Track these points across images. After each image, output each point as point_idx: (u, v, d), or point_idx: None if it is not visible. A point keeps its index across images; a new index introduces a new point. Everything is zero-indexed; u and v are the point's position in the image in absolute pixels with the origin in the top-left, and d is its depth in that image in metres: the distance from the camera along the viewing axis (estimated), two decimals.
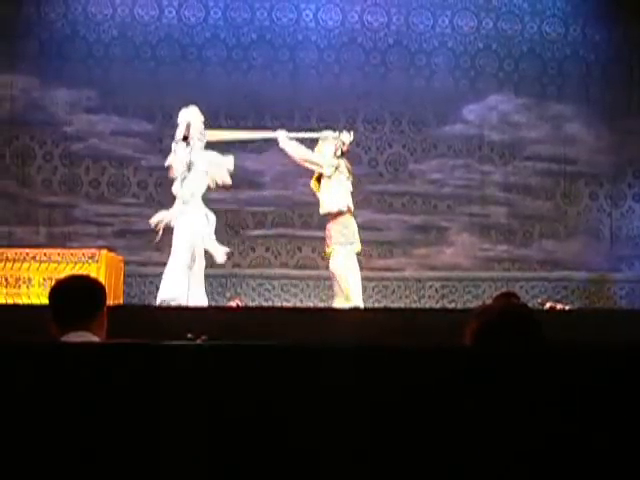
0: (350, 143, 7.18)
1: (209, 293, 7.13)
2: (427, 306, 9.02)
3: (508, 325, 2.04)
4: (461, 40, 9.53)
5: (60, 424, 1.68)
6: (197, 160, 6.83)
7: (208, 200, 7.08)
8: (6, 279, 7.23)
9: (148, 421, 1.70)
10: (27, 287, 7.20)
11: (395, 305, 8.98)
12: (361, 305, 6.86)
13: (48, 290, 2.87)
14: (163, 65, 9.33)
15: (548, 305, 7.43)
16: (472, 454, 1.67)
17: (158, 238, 6.80)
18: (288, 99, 9.23)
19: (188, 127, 6.82)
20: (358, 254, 6.94)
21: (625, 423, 1.68)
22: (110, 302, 6.68)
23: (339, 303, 6.75)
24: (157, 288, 8.45)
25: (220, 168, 6.88)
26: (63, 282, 2.87)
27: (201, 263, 6.77)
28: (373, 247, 9.27)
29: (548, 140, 9.53)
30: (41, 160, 9.24)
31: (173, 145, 6.95)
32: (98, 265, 7.22)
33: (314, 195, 7.18)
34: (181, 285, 6.59)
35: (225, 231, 8.86)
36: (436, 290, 9.27)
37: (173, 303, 6.45)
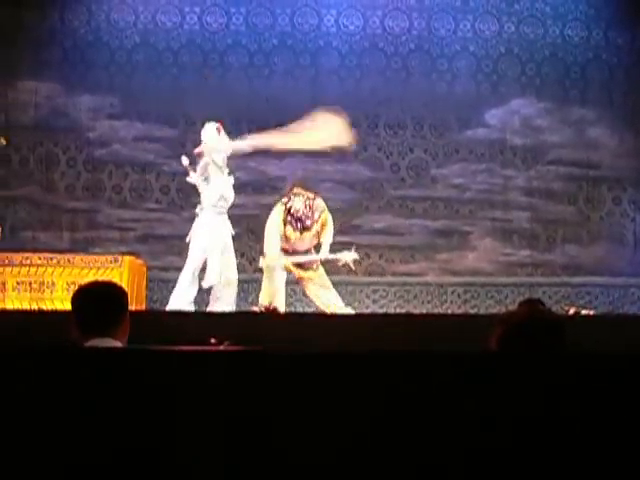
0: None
1: None
2: (449, 311, 8.99)
3: (534, 331, 2.03)
4: (483, 44, 9.49)
5: (87, 428, 1.69)
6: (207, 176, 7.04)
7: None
8: (30, 284, 7.28)
9: (172, 426, 1.70)
10: (50, 292, 7.25)
11: (417, 310, 8.94)
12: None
13: (71, 295, 2.88)
14: (185, 71, 9.37)
15: (572, 310, 7.38)
16: (495, 459, 1.66)
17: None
18: (309, 104, 9.22)
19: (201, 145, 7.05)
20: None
21: None
22: (133, 307, 6.73)
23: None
24: None
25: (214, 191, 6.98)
26: (86, 288, 2.88)
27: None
28: (395, 252, 9.26)
29: (571, 144, 9.46)
30: (65, 166, 9.30)
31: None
32: (121, 270, 7.25)
33: (334, 201, 7.25)
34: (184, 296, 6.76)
35: (247, 236, 8.89)
36: (458, 295, 9.23)
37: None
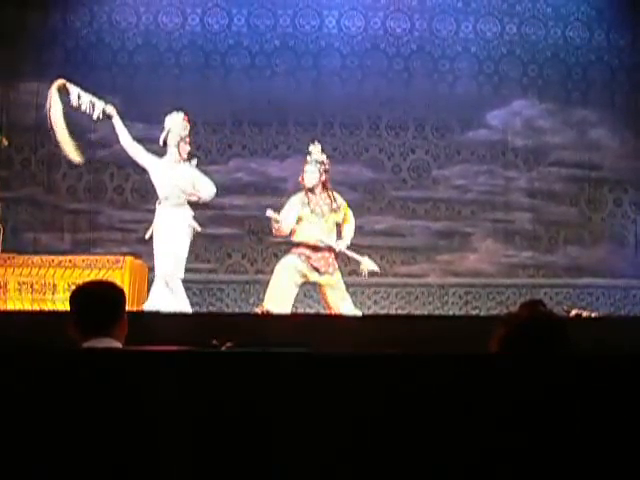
0: (327, 156, 7.17)
1: (233, 299, 7.16)
2: (450, 313, 8.99)
3: (536, 333, 2.03)
4: (484, 45, 9.49)
5: (85, 428, 1.69)
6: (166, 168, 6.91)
7: (229, 206, 7.12)
8: (31, 285, 7.28)
9: (171, 427, 1.70)
10: (52, 293, 7.25)
11: (418, 312, 8.94)
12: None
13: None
14: (187, 72, 9.37)
15: (574, 312, 7.37)
16: (500, 461, 1.66)
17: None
18: (311, 106, 9.24)
19: (167, 133, 6.91)
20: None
21: None
22: (134, 308, 6.73)
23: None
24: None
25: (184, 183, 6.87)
26: (84, 288, 2.87)
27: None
28: (396, 253, 9.26)
29: (572, 146, 9.46)
30: (66, 167, 9.30)
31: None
32: (122, 271, 7.25)
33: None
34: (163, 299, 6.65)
35: (248, 237, 8.89)
36: (460, 297, 9.23)
37: None
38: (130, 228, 9.21)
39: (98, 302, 2.76)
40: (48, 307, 7.06)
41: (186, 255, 6.87)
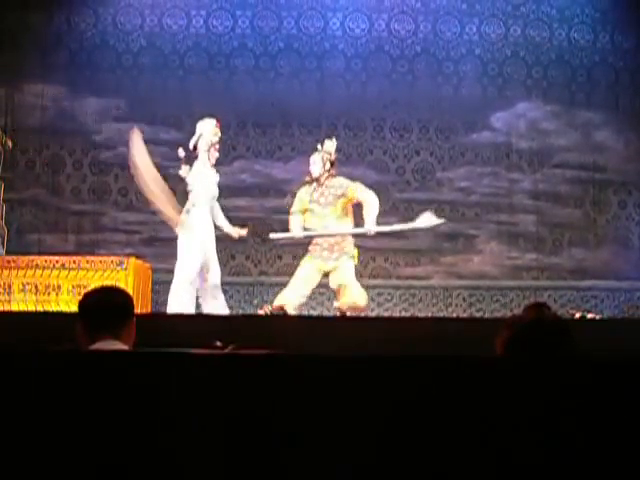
0: (336, 151, 7.17)
1: (236, 301, 7.16)
2: (454, 315, 8.98)
3: (540, 336, 2.03)
4: (489, 47, 9.49)
5: (92, 430, 1.69)
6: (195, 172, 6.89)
7: (233, 208, 7.12)
8: (36, 286, 7.30)
9: (176, 428, 1.70)
10: (56, 294, 7.27)
11: (422, 314, 8.94)
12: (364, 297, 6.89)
13: (77, 297, 2.90)
14: (191, 74, 9.38)
15: (578, 315, 7.36)
16: (500, 465, 1.65)
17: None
18: (315, 107, 9.25)
19: (199, 138, 6.90)
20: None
21: None
22: (138, 309, 6.74)
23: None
24: None
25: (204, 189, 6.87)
26: (92, 294, 2.90)
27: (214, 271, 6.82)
28: (400, 255, 9.25)
29: (577, 148, 9.45)
30: (71, 168, 9.32)
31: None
32: (126, 272, 7.26)
33: None
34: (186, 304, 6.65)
35: (252, 239, 8.89)
36: (464, 299, 9.22)
37: None
38: (134, 230, 9.22)
39: (105, 306, 2.79)
40: (52, 308, 7.07)
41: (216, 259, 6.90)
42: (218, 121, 7.00)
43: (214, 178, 6.95)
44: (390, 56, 9.46)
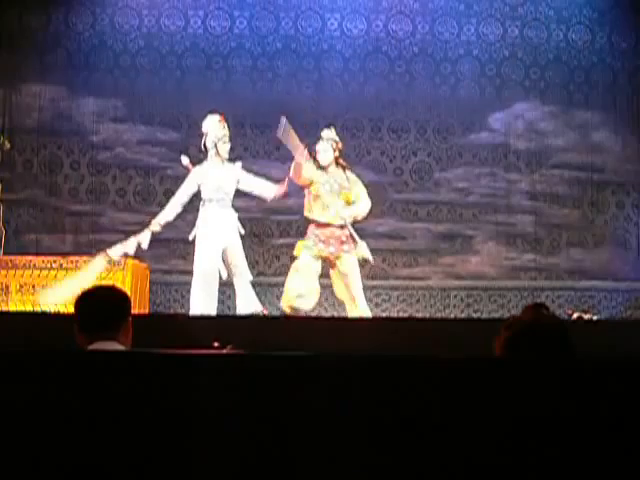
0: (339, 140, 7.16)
1: (233, 301, 7.14)
2: (452, 316, 8.98)
3: (539, 337, 2.03)
4: (487, 48, 9.49)
5: (90, 431, 1.69)
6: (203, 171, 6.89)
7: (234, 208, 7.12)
8: (33, 286, 7.29)
9: (173, 430, 1.70)
10: None
11: (420, 314, 8.94)
12: (368, 312, 6.91)
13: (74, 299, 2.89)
14: (189, 74, 9.38)
15: (576, 315, 7.37)
16: (499, 466, 1.65)
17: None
18: (313, 108, 9.24)
19: (205, 137, 6.92)
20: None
21: None
22: (136, 310, 6.73)
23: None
24: (182, 296, 8.50)
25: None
26: (89, 293, 2.89)
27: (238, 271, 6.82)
28: (398, 256, 9.26)
29: (575, 148, 9.46)
30: (68, 169, 9.32)
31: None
32: (124, 273, 7.26)
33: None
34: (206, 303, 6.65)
35: (250, 239, 8.88)
36: (461, 299, 9.22)
37: None
38: (132, 230, 9.18)
39: (101, 306, 2.78)
40: (49, 309, 7.06)
41: (244, 255, 6.92)
42: (221, 115, 7.01)
43: (227, 172, 6.92)
44: (388, 57, 9.47)
